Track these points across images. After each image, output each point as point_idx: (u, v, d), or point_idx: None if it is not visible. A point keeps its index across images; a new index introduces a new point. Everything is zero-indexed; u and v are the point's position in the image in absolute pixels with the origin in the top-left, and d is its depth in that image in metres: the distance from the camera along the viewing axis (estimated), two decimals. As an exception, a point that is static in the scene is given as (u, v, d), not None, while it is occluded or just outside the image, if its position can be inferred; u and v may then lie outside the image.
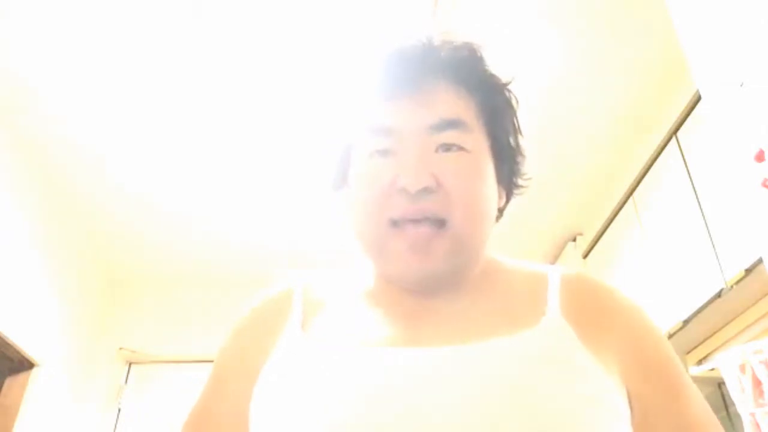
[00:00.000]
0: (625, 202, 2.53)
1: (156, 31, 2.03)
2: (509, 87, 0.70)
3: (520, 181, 0.72)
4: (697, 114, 1.99)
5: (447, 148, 0.62)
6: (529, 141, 0.74)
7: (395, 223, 0.61)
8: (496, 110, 0.68)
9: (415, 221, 0.60)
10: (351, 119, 0.69)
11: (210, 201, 2.88)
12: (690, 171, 2.04)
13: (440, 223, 0.61)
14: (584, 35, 2.08)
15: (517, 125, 0.71)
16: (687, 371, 2.14)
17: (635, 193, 2.44)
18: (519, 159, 0.72)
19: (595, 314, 0.61)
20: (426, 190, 0.60)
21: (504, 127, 0.69)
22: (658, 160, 2.26)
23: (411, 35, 0.69)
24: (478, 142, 0.65)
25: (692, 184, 2.02)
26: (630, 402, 0.58)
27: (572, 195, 2.89)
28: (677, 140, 2.13)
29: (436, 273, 0.62)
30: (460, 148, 0.63)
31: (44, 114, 2.37)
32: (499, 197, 0.69)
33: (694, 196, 2.00)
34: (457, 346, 0.55)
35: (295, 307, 0.68)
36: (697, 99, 1.94)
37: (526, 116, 0.74)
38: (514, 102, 0.70)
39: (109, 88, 2.26)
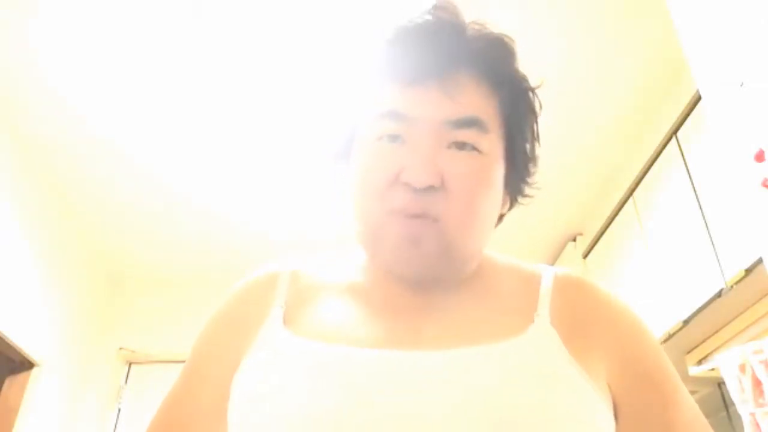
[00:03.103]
0: (625, 202, 2.53)
1: (161, 27, 2.03)
2: (535, 90, 0.66)
3: (527, 189, 0.68)
4: (697, 114, 1.99)
5: (460, 146, 0.59)
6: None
7: (393, 212, 0.59)
8: (517, 113, 0.64)
9: (414, 215, 0.58)
10: (362, 94, 0.65)
11: (210, 201, 2.88)
12: (690, 171, 2.04)
13: (435, 221, 0.58)
14: (584, 35, 2.08)
15: (536, 132, 0.67)
16: (686, 373, 2.14)
17: (635, 193, 2.44)
18: (531, 167, 0.67)
19: (585, 319, 0.60)
20: (430, 188, 0.57)
21: (522, 132, 0.65)
22: (658, 160, 2.26)
23: (432, 5, 0.64)
24: (493, 144, 0.61)
25: (692, 184, 2.02)
26: (617, 410, 0.57)
27: (572, 195, 2.89)
28: (677, 140, 2.13)
29: (425, 267, 0.60)
30: (474, 149, 0.59)
31: (44, 112, 2.37)
32: (503, 203, 0.66)
33: (694, 196, 2.00)
34: (441, 352, 0.54)
35: (279, 295, 0.66)
36: (697, 99, 1.94)
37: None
38: (537, 107, 0.66)
39: (109, 84, 2.26)
